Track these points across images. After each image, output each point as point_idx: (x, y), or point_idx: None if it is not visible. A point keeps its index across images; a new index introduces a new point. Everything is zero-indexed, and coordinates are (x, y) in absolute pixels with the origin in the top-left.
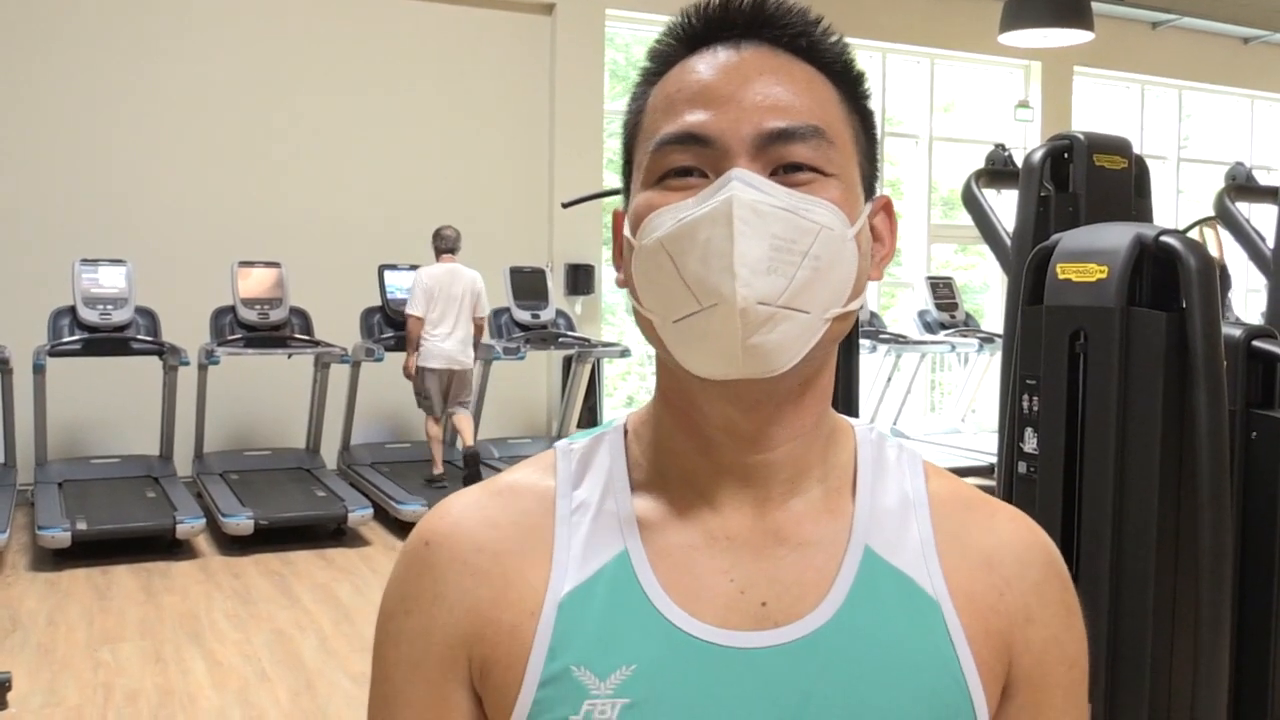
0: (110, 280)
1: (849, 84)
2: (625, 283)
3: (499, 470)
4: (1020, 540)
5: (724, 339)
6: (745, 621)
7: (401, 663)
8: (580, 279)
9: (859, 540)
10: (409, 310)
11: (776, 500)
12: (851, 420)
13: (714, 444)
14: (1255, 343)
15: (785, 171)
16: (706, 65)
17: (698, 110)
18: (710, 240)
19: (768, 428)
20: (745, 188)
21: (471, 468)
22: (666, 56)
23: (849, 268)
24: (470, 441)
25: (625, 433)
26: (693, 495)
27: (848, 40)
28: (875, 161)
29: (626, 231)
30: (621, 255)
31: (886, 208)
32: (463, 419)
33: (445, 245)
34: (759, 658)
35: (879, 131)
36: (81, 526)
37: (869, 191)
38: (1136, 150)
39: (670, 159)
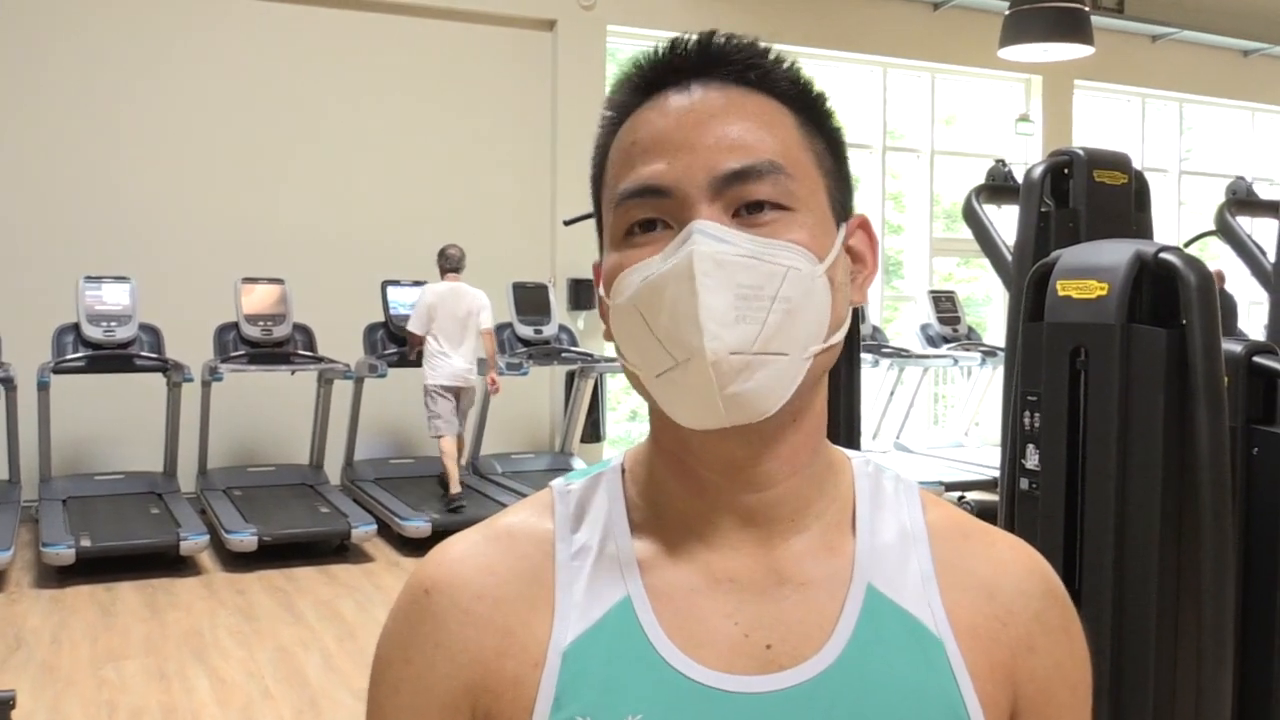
0: (114, 297)
1: (807, 108)
2: (610, 336)
3: (501, 486)
4: (1020, 568)
5: (703, 392)
6: (750, 665)
7: (403, 711)
8: (583, 294)
9: (861, 579)
10: (409, 327)
11: (778, 538)
12: (848, 452)
13: (711, 485)
14: (1256, 359)
15: (748, 212)
16: (658, 113)
17: (653, 161)
18: (676, 297)
19: (762, 464)
20: (706, 240)
21: (453, 512)
22: (622, 105)
23: (822, 304)
24: (457, 488)
25: (622, 472)
26: (692, 537)
27: (850, 54)
28: (847, 182)
29: (600, 291)
30: (604, 308)
31: (864, 226)
32: (458, 443)
33: (449, 264)
34: (764, 703)
35: (880, 145)
36: (86, 543)
37: (843, 214)
38: (1137, 163)
39: (632, 214)
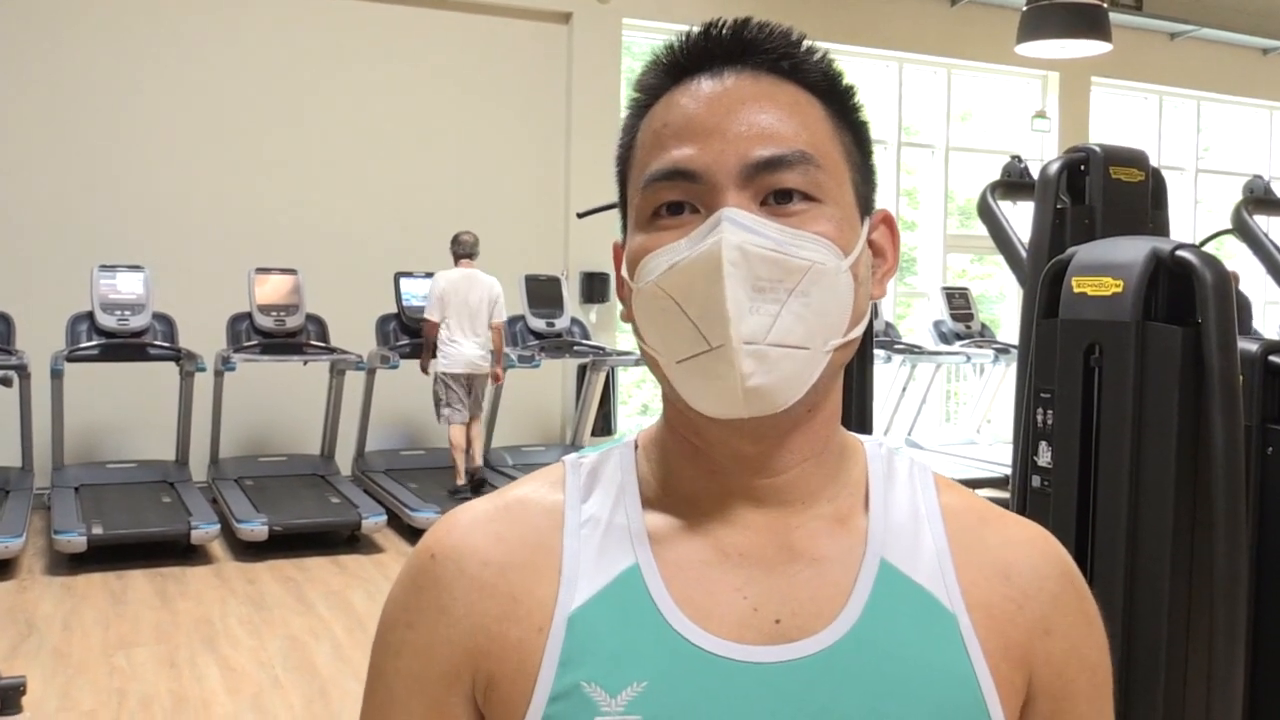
0: (128, 286)
1: (836, 100)
2: (629, 318)
3: (512, 478)
4: (1036, 551)
5: (725, 381)
6: (759, 638)
7: (402, 674)
8: (595, 287)
9: (874, 553)
10: (426, 315)
11: (790, 517)
12: (861, 437)
13: (722, 469)
14: (1272, 357)
15: (776, 200)
16: (690, 98)
17: (684, 145)
18: (703, 286)
19: (776, 454)
20: (735, 229)
21: (476, 491)
22: (652, 88)
23: (845, 299)
24: (479, 461)
25: (635, 448)
26: (702, 514)
27: (866, 49)
28: (871, 176)
29: (624, 272)
30: (624, 290)
31: (886, 221)
32: (474, 430)
33: (463, 250)
34: (773, 673)
35: (896, 141)
36: (97, 531)
37: (866, 207)
38: (1154, 161)
39: (660, 196)
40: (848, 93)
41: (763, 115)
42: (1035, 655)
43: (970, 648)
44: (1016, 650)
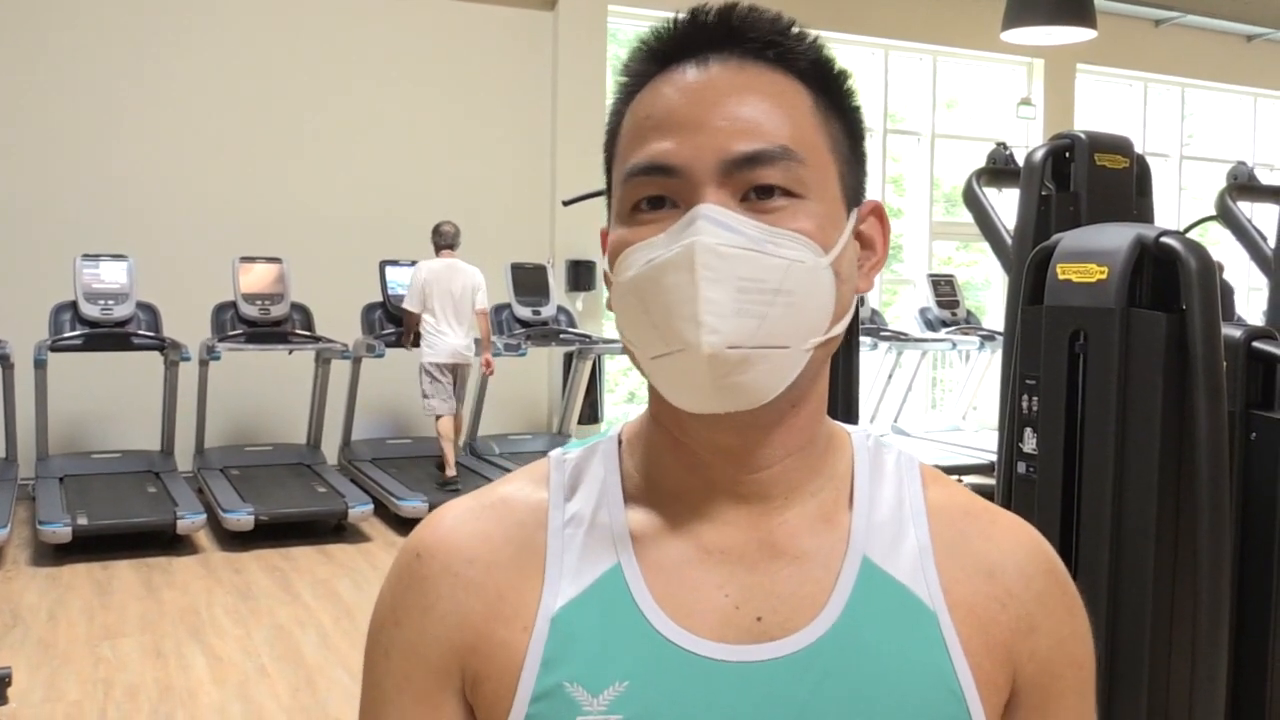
0: (112, 275)
1: (826, 88)
2: (613, 307)
3: (498, 467)
4: (1021, 549)
5: (697, 380)
6: (740, 636)
7: (392, 673)
8: (582, 275)
9: (857, 551)
10: (405, 305)
11: (773, 514)
12: (848, 427)
13: (704, 464)
14: (1255, 344)
15: (757, 196)
16: (673, 88)
17: (664, 139)
18: (676, 286)
19: (758, 449)
20: (710, 227)
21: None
22: (639, 74)
23: (826, 296)
24: (452, 471)
25: (619, 443)
26: (685, 510)
27: (851, 36)
28: (861, 165)
29: (605, 265)
30: (609, 279)
31: (876, 212)
32: (455, 423)
33: (444, 241)
34: (754, 672)
35: (881, 128)
36: (82, 521)
37: (855, 199)
38: (1138, 148)
39: (639, 190)
40: (838, 79)
41: (744, 108)
42: (1020, 653)
43: (950, 646)
44: (1000, 649)
